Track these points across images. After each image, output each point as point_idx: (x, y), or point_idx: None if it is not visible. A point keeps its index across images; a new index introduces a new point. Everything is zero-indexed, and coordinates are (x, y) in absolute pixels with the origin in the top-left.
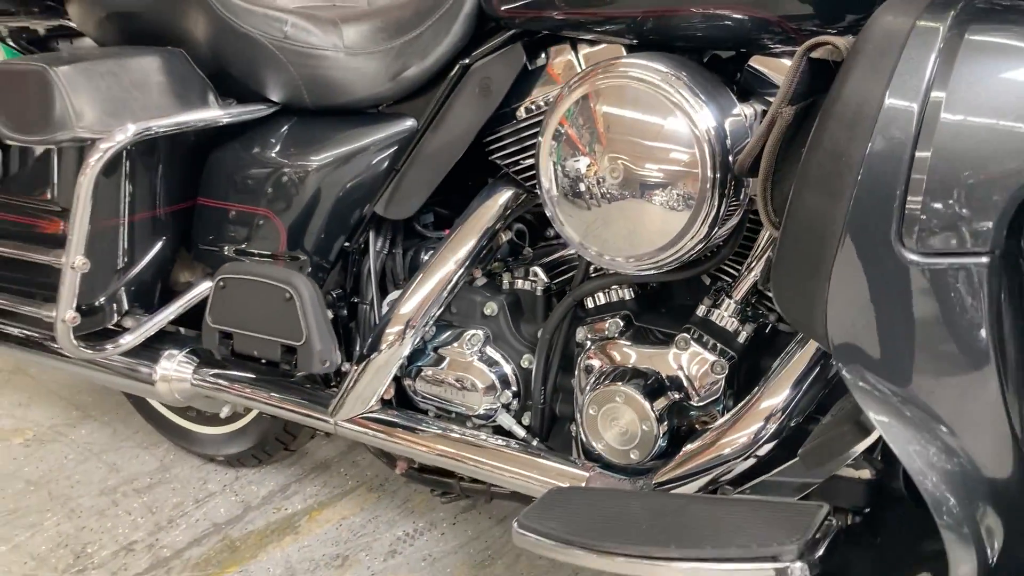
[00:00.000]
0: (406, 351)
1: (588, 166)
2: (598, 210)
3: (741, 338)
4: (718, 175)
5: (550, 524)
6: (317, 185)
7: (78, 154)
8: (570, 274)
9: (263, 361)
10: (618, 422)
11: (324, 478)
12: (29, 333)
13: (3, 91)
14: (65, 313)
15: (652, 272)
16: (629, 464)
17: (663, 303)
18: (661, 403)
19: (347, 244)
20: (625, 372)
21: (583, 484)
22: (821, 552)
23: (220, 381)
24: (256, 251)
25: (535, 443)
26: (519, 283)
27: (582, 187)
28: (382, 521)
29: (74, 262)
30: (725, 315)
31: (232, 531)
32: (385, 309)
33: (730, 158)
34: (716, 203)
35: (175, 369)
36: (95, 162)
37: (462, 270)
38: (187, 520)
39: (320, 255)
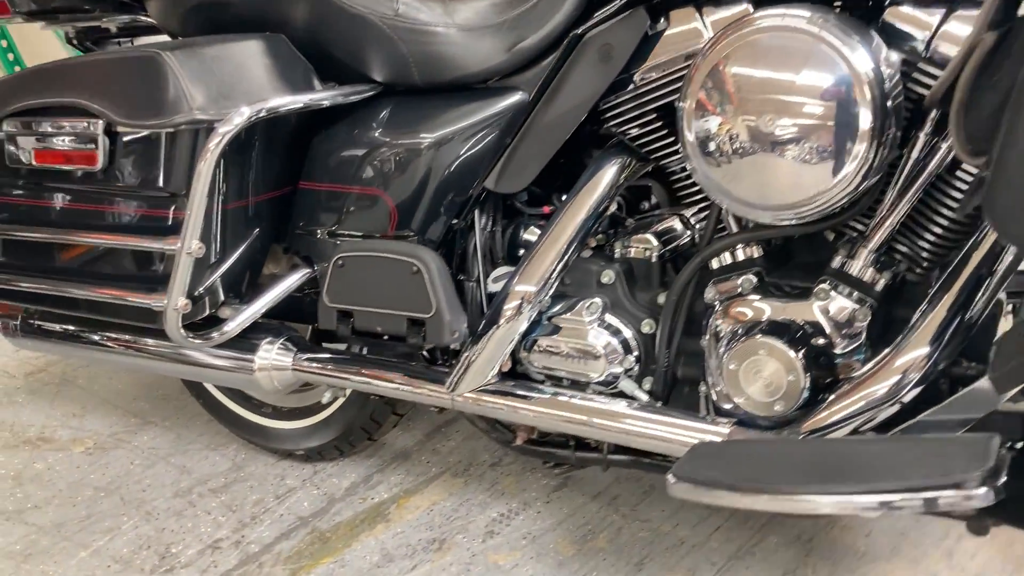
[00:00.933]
0: (525, 323)
1: (738, 117)
2: (747, 160)
3: (879, 286)
4: (878, 119)
5: (707, 473)
6: (429, 163)
7: (190, 139)
8: (672, 244)
9: (386, 337)
10: (762, 374)
11: (406, 467)
12: (113, 332)
13: (114, 79)
14: (177, 300)
15: (792, 223)
16: (772, 416)
17: (790, 259)
18: (805, 353)
19: (455, 221)
20: (765, 326)
21: (716, 439)
22: (1003, 479)
23: (323, 365)
24: (364, 232)
25: (659, 406)
26: (631, 251)
27: (731, 139)
28: (473, 504)
29: (190, 247)
30: (861, 265)
31: (320, 523)
32: (491, 286)
33: (888, 103)
34: (875, 149)
35: (275, 357)
36: (215, 146)
37: (577, 240)
38: (271, 516)
39: (429, 233)
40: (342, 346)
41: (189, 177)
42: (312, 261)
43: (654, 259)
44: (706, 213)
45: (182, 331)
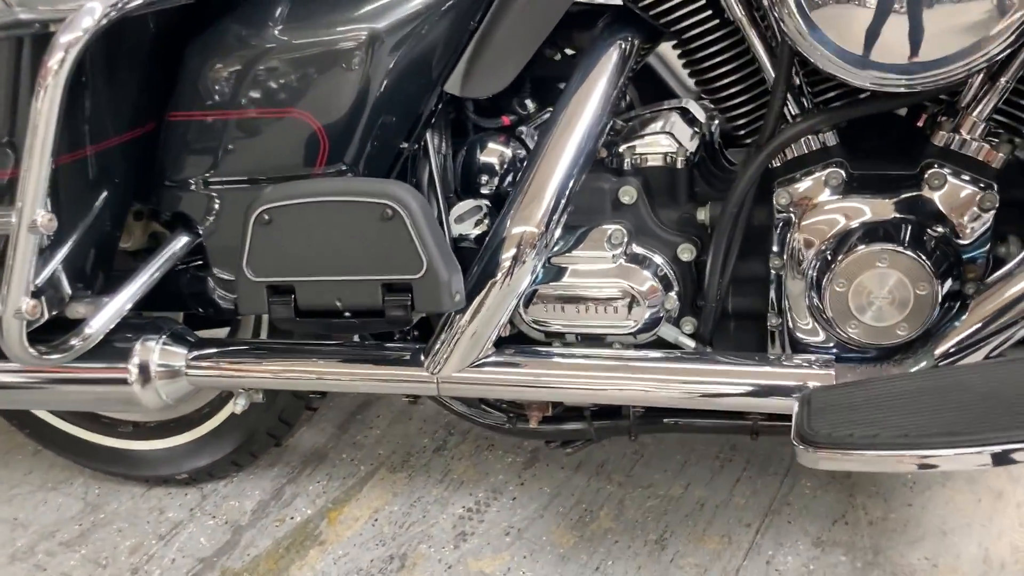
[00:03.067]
0: (530, 275)
1: None
2: (873, 10)
3: (996, 164)
4: None
5: (847, 431)
6: (367, 63)
7: (11, 55)
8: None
9: (348, 315)
10: (882, 291)
11: (325, 471)
12: None
13: None
14: (19, 301)
15: (902, 90)
16: (889, 344)
17: (868, 143)
18: (933, 257)
19: (404, 145)
20: (873, 230)
21: (825, 383)
22: None
23: (233, 364)
24: (278, 172)
25: (713, 352)
26: (648, 159)
27: None
28: (428, 502)
29: (33, 219)
30: (974, 140)
31: (230, 562)
32: (456, 227)
33: None
34: None
35: (158, 361)
36: (58, 66)
37: (586, 154)
38: (158, 564)
39: (372, 164)
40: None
41: (14, 115)
42: (192, 223)
43: (680, 165)
44: (737, 100)
45: (27, 345)
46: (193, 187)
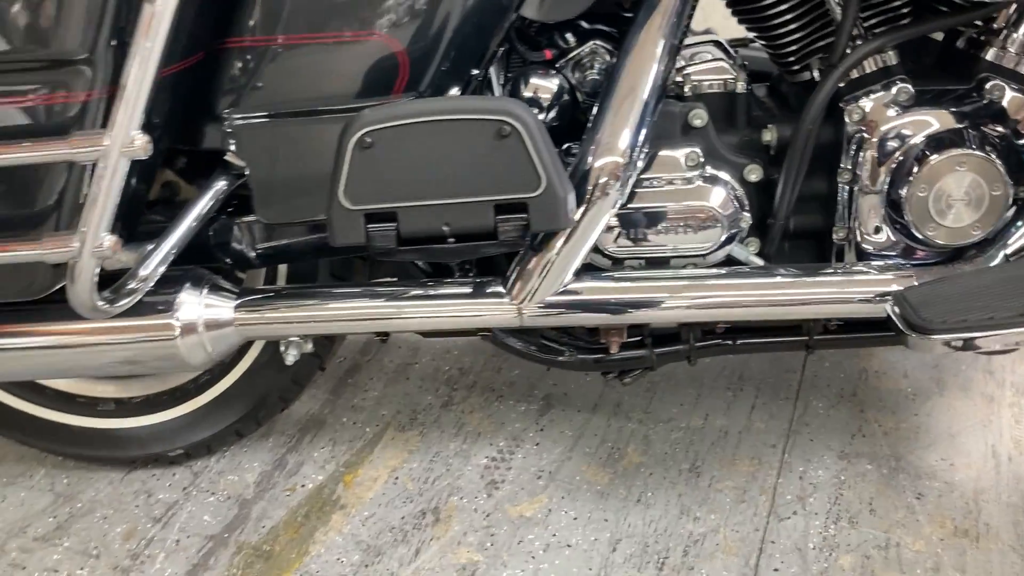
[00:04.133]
0: (614, 205)
1: None
2: None
3: None
4: None
5: (963, 317)
6: None
7: None
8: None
9: (451, 241)
10: (960, 193)
11: (328, 436)
12: None
13: None
14: (101, 237)
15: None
16: (966, 242)
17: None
18: (1004, 160)
19: (474, 72)
20: (945, 138)
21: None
22: None
23: (292, 309)
24: (351, 102)
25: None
26: (711, 86)
27: None
28: (449, 456)
29: (129, 141)
30: (1020, 55)
31: (244, 536)
32: None
33: None
34: None
35: (206, 311)
36: None
37: (663, 76)
38: (161, 546)
39: (443, 93)
40: None
41: (97, 29)
42: (228, 165)
43: (740, 90)
44: (789, 28)
45: (95, 291)
46: (246, 121)
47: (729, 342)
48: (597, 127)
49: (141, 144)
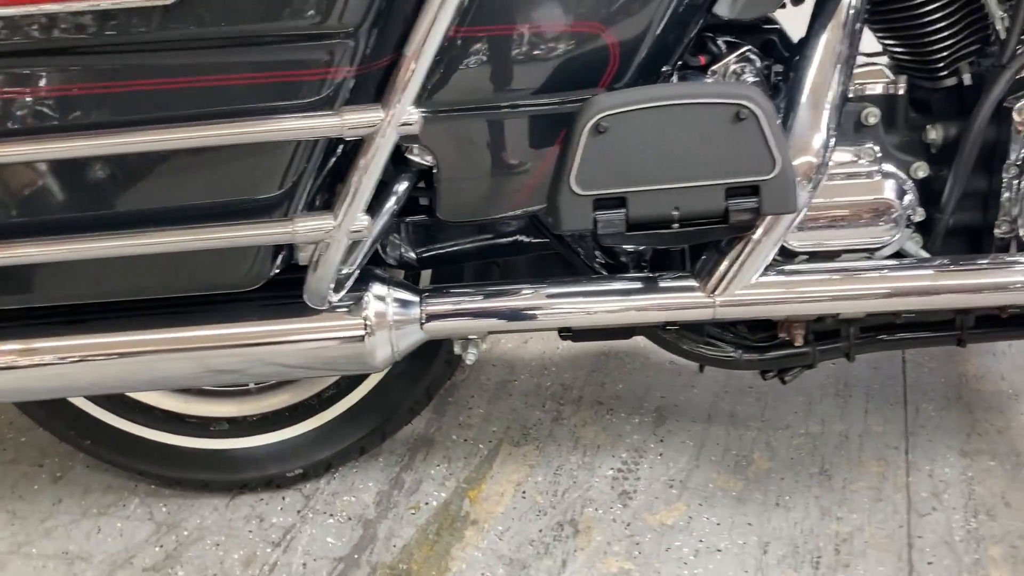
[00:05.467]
0: (809, 199)
1: None
2: None
3: None
4: None
5: None
6: None
7: None
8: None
9: (677, 225)
10: None
11: (440, 454)
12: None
13: None
14: (357, 217)
15: None
16: None
17: None
18: None
19: (665, 69)
20: None
21: None
22: None
23: (473, 304)
24: (562, 93)
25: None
26: (876, 87)
27: None
28: (573, 469)
29: (406, 116)
30: None
31: (376, 556)
32: None
33: None
34: None
35: (394, 309)
36: None
37: (846, 81)
38: (287, 571)
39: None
40: None
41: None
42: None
43: (901, 92)
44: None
45: (332, 280)
46: (438, 115)
47: (886, 337)
48: (790, 127)
49: (417, 120)
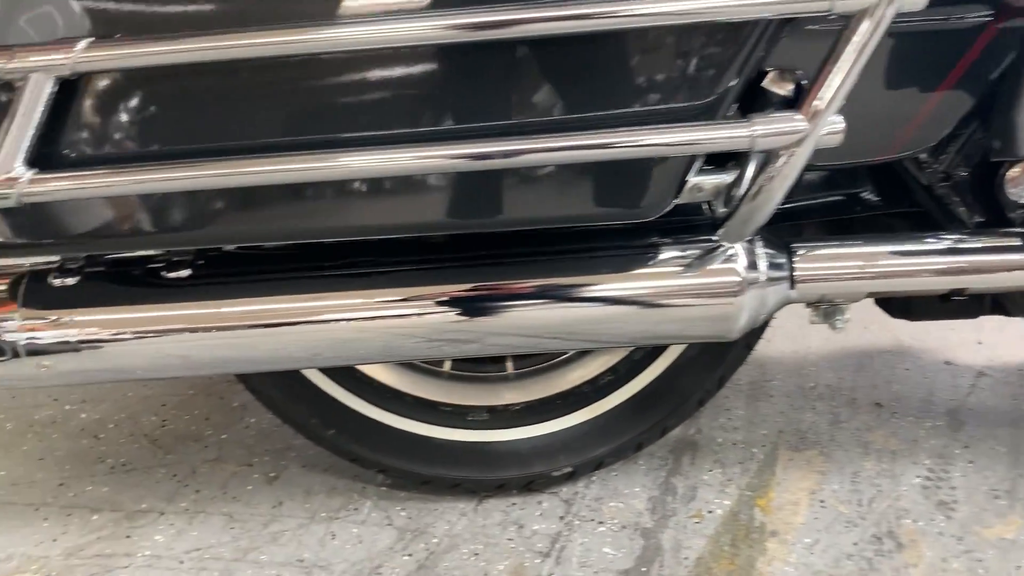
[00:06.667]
0: None
1: None
2: None
3: None
4: None
5: None
6: None
7: None
8: None
9: None
10: None
11: (711, 457)
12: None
13: None
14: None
15: None
16: None
17: None
18: None
19: None
20: None
21: None
22: None
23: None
24: None
25: None
26: None
27: None
28: (872, 477)
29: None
30: None
31: (667, 570)
32: None
33: None
34: None
35: (766, 264)
36: None
37: None
38: None
39: None
40: None
41: None
42: None
43: None
44: None
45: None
46: None
47: None
48: None
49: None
